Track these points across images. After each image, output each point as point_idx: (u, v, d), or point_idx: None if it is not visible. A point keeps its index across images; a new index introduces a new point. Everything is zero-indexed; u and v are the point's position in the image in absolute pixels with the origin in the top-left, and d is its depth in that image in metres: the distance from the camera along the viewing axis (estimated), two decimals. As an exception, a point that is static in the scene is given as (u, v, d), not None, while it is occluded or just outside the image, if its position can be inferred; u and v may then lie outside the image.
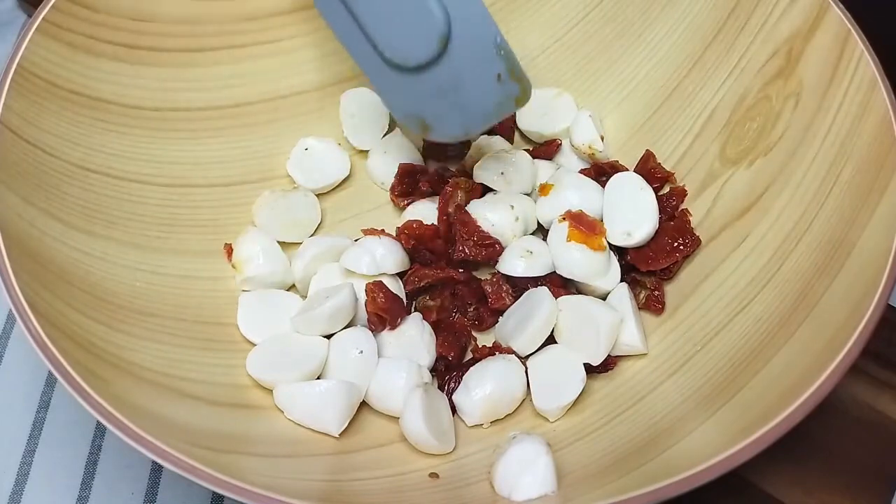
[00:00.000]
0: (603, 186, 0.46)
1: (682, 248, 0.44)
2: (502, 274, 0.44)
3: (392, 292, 0.43)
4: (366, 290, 0.43)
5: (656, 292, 0.44)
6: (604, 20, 0.53)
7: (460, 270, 0.45)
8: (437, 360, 0.43)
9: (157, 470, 0.44)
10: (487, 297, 0.44)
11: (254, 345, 0.43)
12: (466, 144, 0.52)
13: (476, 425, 0.41)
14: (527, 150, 0.50)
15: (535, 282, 0.44)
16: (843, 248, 0.37)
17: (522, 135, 0.53)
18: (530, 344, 0.42)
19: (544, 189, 0.47)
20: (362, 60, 0.43)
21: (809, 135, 0.42)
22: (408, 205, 0.49)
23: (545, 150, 0.51)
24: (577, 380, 0.41)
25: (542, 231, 0.47)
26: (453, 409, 0.41)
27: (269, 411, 0.40)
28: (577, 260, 0.43)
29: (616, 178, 0.46)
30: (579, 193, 0.46)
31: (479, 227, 0.45)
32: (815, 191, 0.41)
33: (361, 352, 0.41)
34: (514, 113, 0.52)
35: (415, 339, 0.42)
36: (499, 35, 0.40)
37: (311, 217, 0.49)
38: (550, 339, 0.42)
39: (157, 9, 0.47)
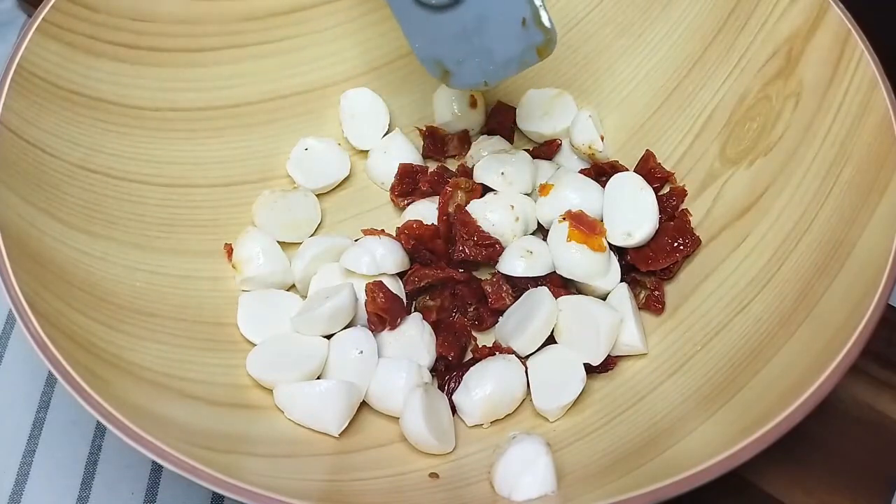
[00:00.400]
0: (603, 186, 0.46)
1: (682, 248, 0.44)
2: (502, 274, 0.44)
3: (392, 292, 0.43)
4: (366, 290, 0.43)
5: (656, 292, 0.44)
6: (604, 20, 0.53)
7: (460, 270, 0.45)
8: (437, 360, 0.43)
9: (157, 470, 0.44)
10: (487, 297, 0.44)
11: (254, 345, 0.43)
12: (466, 144, 0.52)
13: (476, 425, 0.41)
14: (527, 150, 0.50)
15: (535, 282, 0.44)
16: (843, 248, 0.37)
17: (522, 135, 0.53)
18: (530, 344, 0.42)
19: (544, 189, 0.47)
20: None
21: (809, 135, 0.42)
22: (408, 205, 0.49)
23: (545, 150, 0.51)
24: (577, 380, 0.41)
25: (542, 231, 0.47)
26: (453, 409, 0.41)
27: (269, 411, 0.40)
28: (577, 260, 0.43)
29: (616, 178, 0.46)
30: (579, 193, 0.46)
31: (479, 227, 0.45)
32: (815, 191, 0.41)
33: (361, 352, 0.41)
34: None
35: (415, 339, 0.42)
36: None
37: (311, 217, 0.49)
38: (550, 339, 0.42)
39: (157, 9, 0.47)
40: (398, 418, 0.40)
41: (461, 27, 0.41)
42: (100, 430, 0.45)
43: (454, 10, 0.41)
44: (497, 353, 0.42)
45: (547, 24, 0.39)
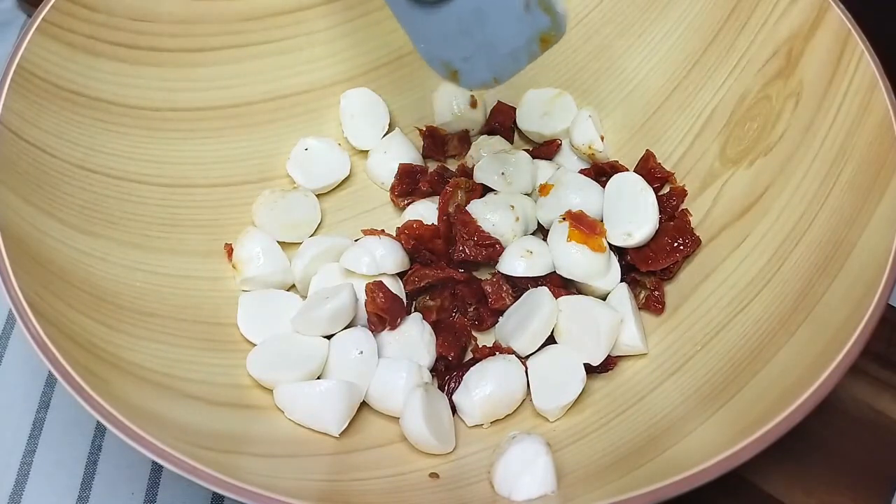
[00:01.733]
0: (603, 186, 0.46)
1: (682, 248, 0.44)
2: (502, 274, 0.44)
3: (392, 292, 0.43)
4: (366, 290, 0.43)
5: (656, 292, 0.44)
6: (604, 20, 0.53)
7: (460, 270, 0.45)
8: (437, 360, 0.43)
9: (157, 470, 0.44)
10: (487, 297, 0.44)
11: (254, 345, 0.43)
12: (466, 144, 0.52)
13: (476, 425, 0.41)
14: (527, 150, 0.50)
15: (535, 282, 0.44)
16: (843, 248, 0.37)
17: (522, 135, 0.53)
18: (530, 344, 0.42)
19: (544, 189, 0.47)
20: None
21: (809, 135, 0.42)
22: (408, 205, 0.49)
23: (545, 150, 0.51)
24: (577, 380, 0.41)
25: (542, 231, 0.47)
26: (453, 409, 0.41)
27: (269, 411, 0.40)
28: (577, 260, 0.43)
29: (616, 179, 0.46)
30: (579, 193, 0.46)
31: (479, 227, 0.45)
32: (815, 191, 0.41)
33: (361, 352, 0.41)
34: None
35: (415, 339, 0.42)
36: None
37: (311, 217, 0.49)
38: (550, 339, 0.42)
39: (157, 9, 0.47)
40: (398, 418, 0.40)
41: (460, 21, 0.38)
42: (100, 430, 0.45)
43: (449, 4, 0.38)
44: (497, 353, 0.42)
45: (552, 4, 0.35)
